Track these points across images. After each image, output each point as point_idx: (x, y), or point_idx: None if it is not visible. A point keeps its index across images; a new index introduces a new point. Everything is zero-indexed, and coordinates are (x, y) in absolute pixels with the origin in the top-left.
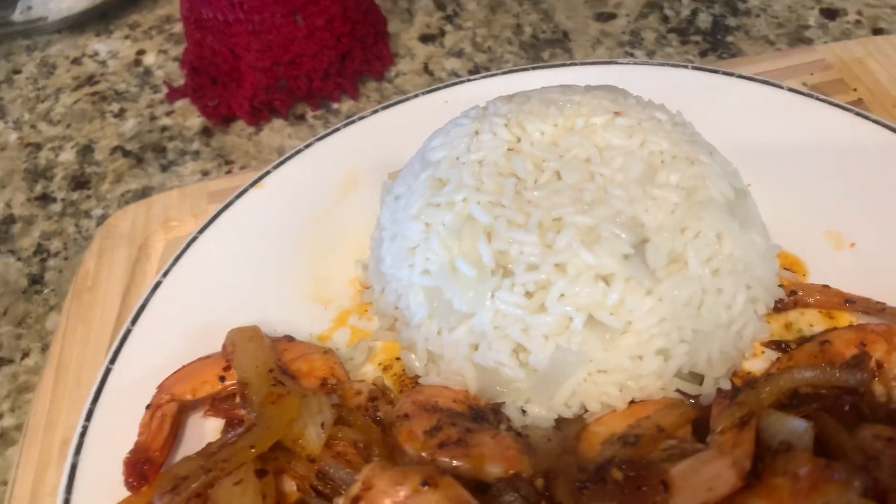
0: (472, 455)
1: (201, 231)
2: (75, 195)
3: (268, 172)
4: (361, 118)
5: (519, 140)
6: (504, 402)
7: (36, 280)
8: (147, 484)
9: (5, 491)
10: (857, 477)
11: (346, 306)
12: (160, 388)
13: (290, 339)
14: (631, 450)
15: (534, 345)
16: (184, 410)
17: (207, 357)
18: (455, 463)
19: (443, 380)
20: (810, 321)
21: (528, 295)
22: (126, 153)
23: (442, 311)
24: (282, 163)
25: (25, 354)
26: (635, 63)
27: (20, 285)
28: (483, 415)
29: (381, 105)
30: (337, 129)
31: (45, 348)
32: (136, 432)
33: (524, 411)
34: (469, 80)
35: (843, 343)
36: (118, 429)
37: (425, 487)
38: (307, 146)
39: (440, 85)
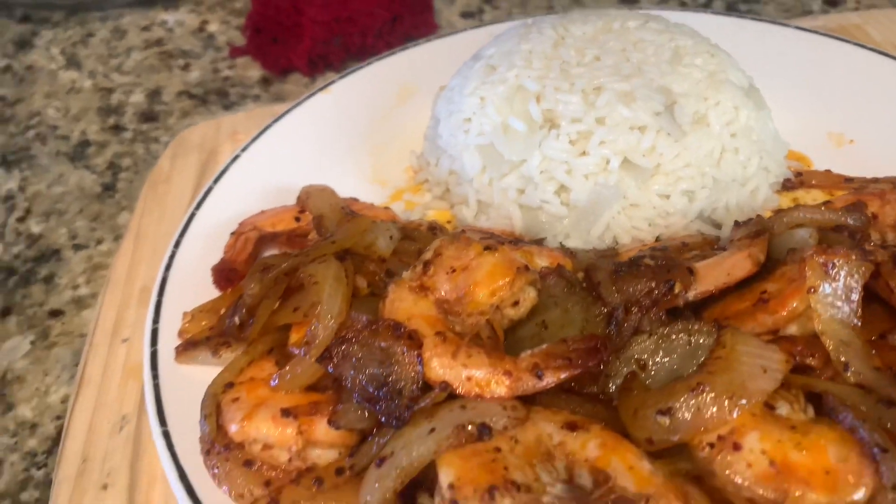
0: (522, 249)
1: (276, 120)
2: (145, 126)
3: (334, 81)
4: (416, 44)
5: (563, 38)
6: (545, 238)
7: (108, 188)
8: (231, 286)
9: (84, 341)
10: (855, 252)
11: (401, 186)
12: (243, 222)
13: (354, 199)
14: (661, 253)
15: (575, 183)
16: (262, 241)
17: (285, 206)
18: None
19: (491, 224)
20: (815, 198)
21: (573, 142)
22: (192, 96)
23: (494, 162)
24: (346, 74)
25: (99, 242)
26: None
27: (94, 191)
28: (526, 243)
29: (435, 35)
30: (394, 52)
31: (117, 238)
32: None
33: (562, 245)
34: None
35: (842, 202)
36: (202, 263)
37: (488, 251)
38: (368, 63)
39: (488, 22)
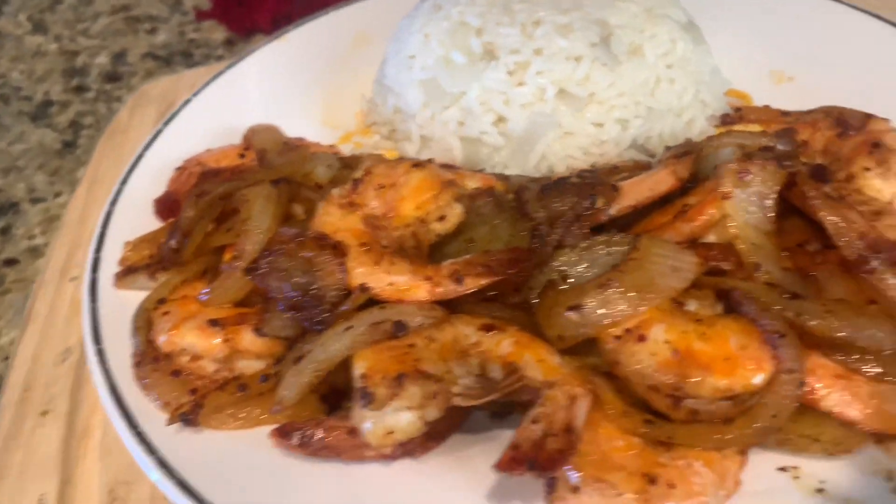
0: (454, 172)
1: (229, 66)
2: (108, 86)
3: (289, 29)
4: None
5: None
6: (484, 168)
7: (69, 144)
8: (173, 216)
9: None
10: (772, 162)
11: (351, 129)
12: (188, 159)
13: (301, 139)
14: (589, 174)
15: (513, 113)
16: (207, 176)
17: (231, 144)
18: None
19: (432, 155)
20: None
21: (510, 73)
22: (156, 58)
23: (435, 96)
24: (302, 23)
25: (57, 195)
26: None
27: (55, 148)
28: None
29: None
30: (351, 2)
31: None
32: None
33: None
34: None
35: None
36: (149, 197)
37: (415, 167)
38: (324, 12)
39: None
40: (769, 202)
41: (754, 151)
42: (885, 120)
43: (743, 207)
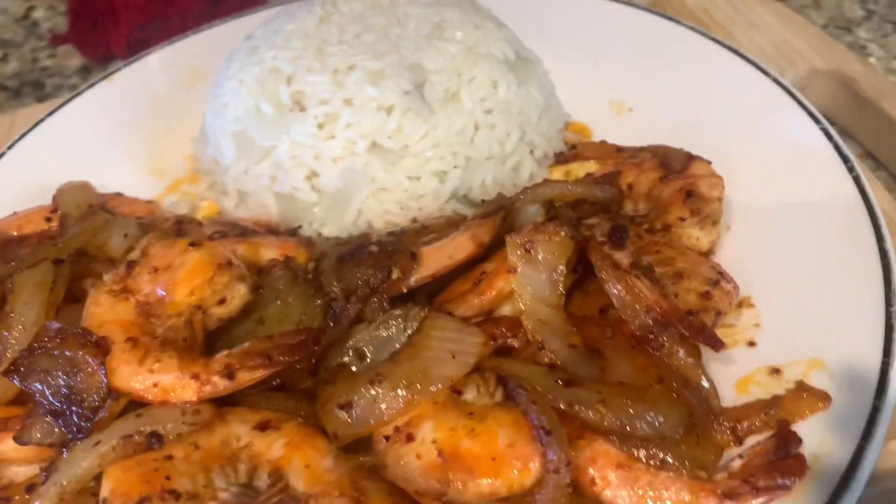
0: (249, 242)
1: (50, 114)
2: None
3: (119, 68)
4: (210, 26)
5: (330, 15)
6: (301, 226)
7: None
8: None
9: None
10: (565, 228)
11: (179, 176)
12: None
13: (119, 194)
14: (394, 238)
15: (324, 168)
16: (9, 245)
17: (39, 206)
18: (231, 247)
19: (250, 213)
20: (588, 171)
21: (320, 126)
22: (4, 88)
23: (247, 149)
24: (132, 61)
25: None
26: None
27: None
28: (280, 234)
29: (232, 16)
30: (186, 36)
31: None
32: None
33: (319, 234)
34: None
35: (602, 174)
36: None
37: (191, 247)
38: (159, 47)
39: None
40: (557, 274)
41: (561, 209)
42: (707, 163)
43: (529, 281)
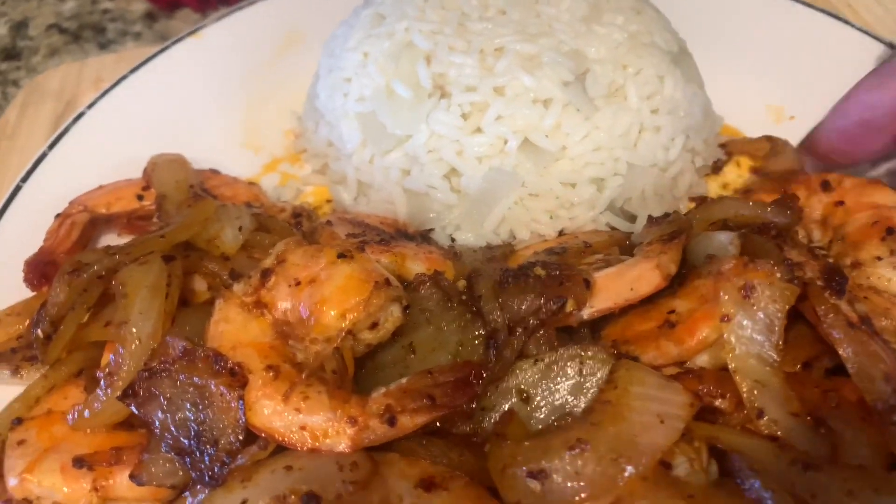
0: (393, 252)
1: (133, 70)
2: (4, 66)
3: (205, 24)
4: None
5: None
6: (433, 229)
7: None
8: (48, 284)
9: None
10: (780, 268)
11: (278, 154)
12: (73, 201)
13: (214, 171)
14: (557, 258)
15: (467, 167)
16: (96, 224)
17: (128, 180)
18: (375, 257)
19: (372, 209)
20: (744, 177)
21: (465, 116)
22: (62, 30)
23: (376, 136)
24: (222, 16)
25: None
26: None
27: None
28: (411, 237)
29: None
30: None
31: None
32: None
33: (453, 239)
34: None
35: (763, 191)
36: (26, 241)
37: (341, 259)
38: (250, 3)
39: None
40: (777, 326)
41: (752, 234)
42: (890, 190)
43: (745, 334)
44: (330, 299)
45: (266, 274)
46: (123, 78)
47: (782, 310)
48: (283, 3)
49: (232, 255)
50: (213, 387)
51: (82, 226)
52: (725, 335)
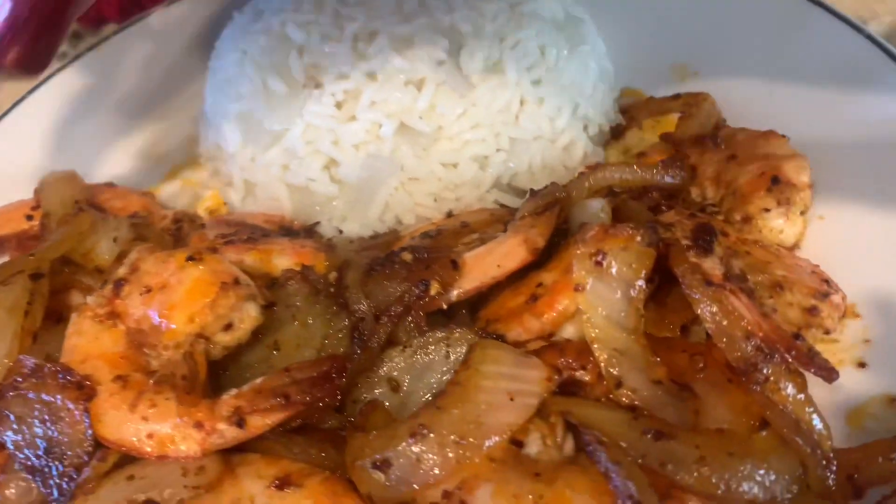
0: (259, 249)
1: (33, 90)
2: None
3: (107, 37)
4: None
5: None
6: (318, 222)
7: None
8: None
9: None
10: (641, 232)
11: (179, 161)
12: None
13: (110, 184)
14: (430, 241)
15: (344, 156)
16: None
17: (20, 201)
18: (237, 256)
19: (259, 207)
20: (648, 142)
21: (339, 105)
22: None
23: (254, 134)
24: (124, 27)
25: None
26: None
27: None
28: (294, 233)
29: None
30: None
31: None
32: None
33: (340, 231)
34: None
35: (658, 153)
36: None
37: (190, 262)
38: (152, 12)
39: None
40: (635, 291)
41: (629, 204)
42: (783, 139)
43: (601, 301)
44: (178, 304)
45: (119, 284)
46: (23, 98)
47: (638, 274)
48: (187, 9)
49: (106, 267)
50: (59, 402)
51: None
52: (581, 305)
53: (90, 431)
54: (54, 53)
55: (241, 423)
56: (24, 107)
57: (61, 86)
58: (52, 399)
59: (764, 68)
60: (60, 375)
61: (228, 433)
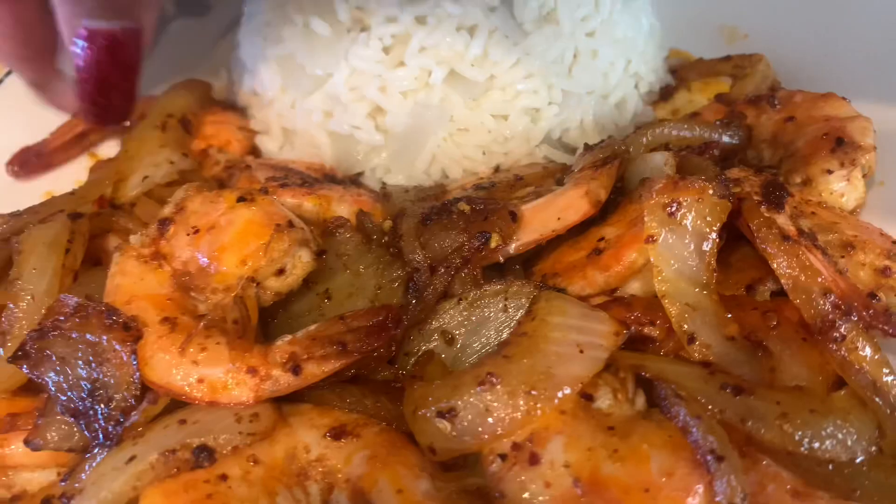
0: (317, 194)
1: None
2: None
3: None
4: None
5: None
6: (362, 172)
7: None
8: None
9: None
10: (713, 185)
11: None
12: None
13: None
14: (484, 193)
15: (391, 103)
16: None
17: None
18: (295, 200)
19: (297, 156)
20: (698, 104)
21: (386, 49)
22: None
23: (295, 79)
24: None
25: None
26: None
27: None
28: (339, 182)
29: None
30: None
31: None
32: None
33: (384, 183)
34: None
35: (712, 113)
36: None
37: (241, 203)
38: None
39: None
40: (708, 244)
41: (692, 159)
42: (845, 101)
43: (673, 254)
44: (229, 246)
45: (164, 223)
46: None
47: (712, 227)
48: None
49: (125, 202)
50: (105, 342)
51: (83, 129)
52: (651, 258)
53: (138, 374)
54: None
55: (296, 370)
56: None
57: None
58: (97, 339)
59: (819, 31)
60: (106, 315)
61: (283, 380)
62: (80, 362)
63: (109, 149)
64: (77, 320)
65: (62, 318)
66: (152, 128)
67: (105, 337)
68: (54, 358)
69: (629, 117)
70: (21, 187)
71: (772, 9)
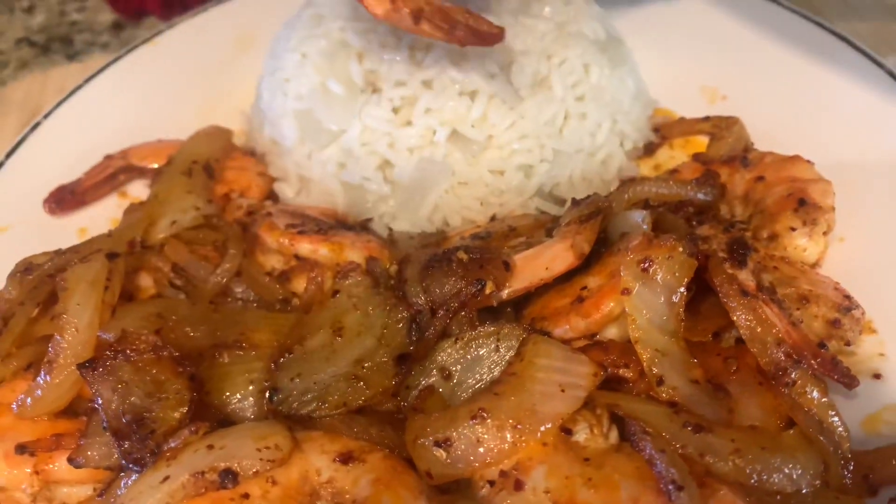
0: (332, 241)
1: (88, 80)
2: None
3: (161, 31)
4: None
5: None
6: (371, 218)
7: None
8: (60, 211)
9: None
10: (683, 243)
11: None
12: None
13: (252, 152)
14: (481, 242)
15: (399, 158)
16: (128, 173)
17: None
18: (312, 246)
19: (312, 202)
20: (679, 160)
21: (395, 110)
22: (32, 43)
23: (312, 131)
24: (175, 24)
25: None
26: None
27: None
28: (350, 227)
29: None
30: None
31: None
32: None
33: (390, 229)
34: None
35: (689, 171)
36: None
37: None
38: (203, 10)
39: None
40: (677, 297)
41: (668, 217)
42: (809, 164)
43: (646, 305)
44: None
45: None
46: (79, 88)
47: (681, 282)
48: (234, 8)
49: (154, 243)
50: (168, 384)
51: (114, 170)
52: (627, 308)
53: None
54: None
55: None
56: (81, 95)
57: (115, 77)
58: (165, 379)
59: (790, 96)
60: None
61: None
62: (139, 391)
63: (137, 188)
64: (149, 360)
65: (139, 349)
66: (179, 174)
67: (171, 380)
68: (118, 379)
69: (614, 172)
70: (56, 223)
71: (749, 73)
